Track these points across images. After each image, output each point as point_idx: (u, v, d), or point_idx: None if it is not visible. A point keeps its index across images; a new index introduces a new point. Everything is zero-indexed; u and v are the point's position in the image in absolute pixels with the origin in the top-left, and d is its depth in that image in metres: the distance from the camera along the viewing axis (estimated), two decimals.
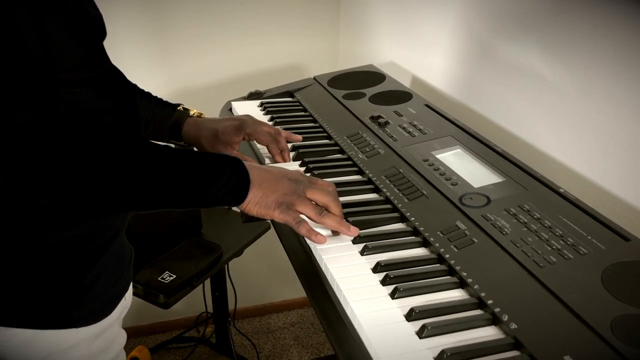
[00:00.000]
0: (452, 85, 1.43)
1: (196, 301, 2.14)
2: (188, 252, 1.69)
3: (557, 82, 1.10)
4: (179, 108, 1.13)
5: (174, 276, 1.58)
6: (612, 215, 0.98)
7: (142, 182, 0.76)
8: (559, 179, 1.10)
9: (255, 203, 0.83)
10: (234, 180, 0.81)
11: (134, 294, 1.55)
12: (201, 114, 1.15)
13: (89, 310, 0.86)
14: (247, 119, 1.13)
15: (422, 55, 1.55)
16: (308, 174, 1.06)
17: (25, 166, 0.69)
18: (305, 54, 2.05)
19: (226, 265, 2.00)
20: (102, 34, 0.88)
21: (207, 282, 2.06)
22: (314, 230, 0.85)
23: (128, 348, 1.84)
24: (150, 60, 1.94)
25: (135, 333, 2.24)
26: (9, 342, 0.81)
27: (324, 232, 0.87)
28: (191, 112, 1.13)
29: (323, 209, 0.86)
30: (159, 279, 1.57)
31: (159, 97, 1.15)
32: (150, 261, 1.63)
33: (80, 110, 0.76)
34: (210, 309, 2.14)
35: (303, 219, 0.85)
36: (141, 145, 0.77)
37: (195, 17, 1.92)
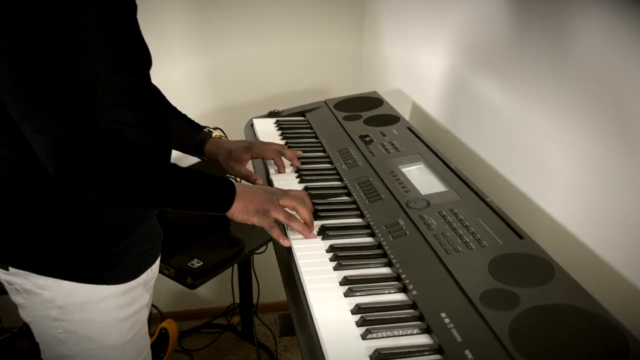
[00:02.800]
0: (439, 112, 1.67)
1: (227, 293, 2.44)
2: (215, 244, 1.98)
3: (509, 113, 1.33)
4: (204, 129, 1.40)
5: (201, 263, 1.88)
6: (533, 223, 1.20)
7: (156, 189, 1.04)
8: (500, 194, 1.32)
9: (239, 211, 1.09)
10: (225, 193, 1.08)
11: (167, 275, 1.86)
12: (221, 135, 1.44)
13: (118, 273, 1.13)
14: (256, 142, 1.41)
15: (420, 85, 1.80)
16: (298, 179, 1.33)
17: (73, 172, 0.96)
18: (332, 78, 2.34)
19: (252, 262, 2.30)
20: (148, 64, 1.17)
21: (237, 276, 2.35)
22: (283, 235, 1.10)
23: (160, 321, 2.16)
24: (200, 81, 2.27)
25: (173, 316, 2.55)
26: (58, 289, 1.09)
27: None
28: (213, 134, 1.41)
29: (292, 215, 1.12)
30: (189, 264, 1.87)
31: (190, 118, 1.43)
32: (183, 249, 1.93)
33: (117, 128, 1.04)
34: (237, 301, 2.43)
35: (275, 225, 1.11)
36: (158, 162, 1.04)
37: (241, 45, 2.24)
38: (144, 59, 1.16)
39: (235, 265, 2.28)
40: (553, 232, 1.17)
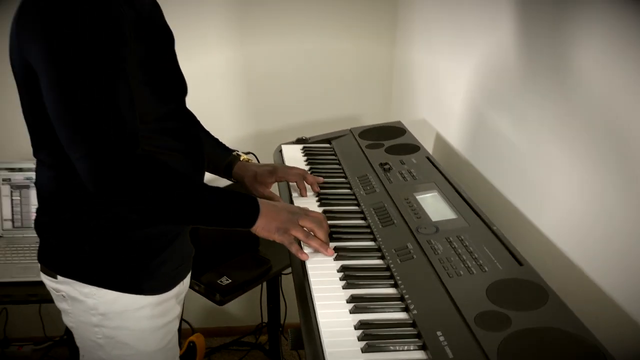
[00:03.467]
0: (459, 143, 1.73)
1: (256, 312, 2.53)
2: (244, 263, 2.07)
3: (523, 147, 1.39)
4: (234, 153, 1.51)
5: (230, 281, 1.97)
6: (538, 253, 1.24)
7: (188, 209, 1.13)
8: (509, 221, 1.37)
9: (262, 228, 1.18)
10: (249, 211, 1.17)
11: (197, 291, 1.96)
12: (249, 159, 1.53)
13: (154, 285, 1.24)
14: (280, 165, 1.50)
15: (444, 116, 1.87)
16: (318, 203, 1.41)
17: (111, 193, 1.06)
18: (363, 107, 2.43)
19: (280, 282, 2.38)
20: (184, 92, 1.29)
21: (266, 296, 2.43)
22: (301, 249, 1.19)
23: (189, 335, 2.26)
24: (238, 107, 2.40)
25: (203, 332, 2.64)
26: (101, 298, 1.20)
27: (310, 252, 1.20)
28: (241, 158, 1.51)
29: (310, 233, 1.20)
30: (218, 281, 1.96)
31: (222, 142, 1.53)
32: (214, 267, 2.03)
33: (154, 153, 1.15)
34: (266, 320, 2.51)
35: (294, 241, 1.19)
36: (191, 184, 1.14)
37: (277, 76, 2.36)
38: (180, 88, 1.27)
39: (265, 286, 2.37)
40: (554, 258, 1.22)
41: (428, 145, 1.94)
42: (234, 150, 1.52)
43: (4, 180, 2.10)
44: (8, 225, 2.12)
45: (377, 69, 2.43)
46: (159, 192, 1.08)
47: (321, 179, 1.49)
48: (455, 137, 1.78)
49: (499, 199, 1.47)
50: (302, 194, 1.45)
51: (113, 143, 1.03)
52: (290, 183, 1.49)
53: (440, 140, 1.89)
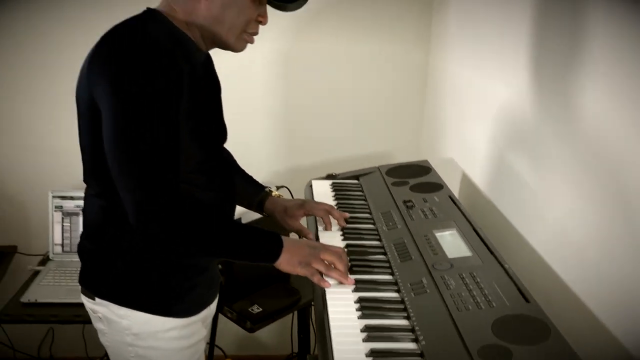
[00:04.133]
0: (483, 182, 1.79)
1: (287, 341, 2.60)
2: (275, 292, 2.16)
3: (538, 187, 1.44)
4: (266, 189, 1.61)
5: (261, 309, 2.05)
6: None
7: (217, 244, 1.24)
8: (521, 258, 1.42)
9: (285, 262, 1.27)
10: (273, 247, 1.27)
11: (229, 318, 2.05)
12: (280, 195, 1.64)
13: (183, 308, 1.34)
14: (309, 200, 1.60)
15: (470, 156, 1.94)
16: (342, 237, 1.49)
17: (150, 226, 1.16)
18: (394, 144, 2.52)
19: (310, 313, 2.45)
20: (224, 138, 1.41)
21: (297, 326, 2.50)
22: (323, 279, 1.27)
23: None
24: (276, 143, 2.52)
25: (236, 359, 2.74)
26: (134, 319, 1.30)
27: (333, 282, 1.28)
28: (273, 194, 1.61)
29: (331, 266, 1.28)
30: (249, 309, 2.05)
31: (254, 178, 1.63)
32: (246, 295, 2.12)
33: (192, 191, 1.26)
34: (296, 349, 2.57)
35: (316, 273, 1.27)
36: (222, 222, 1.24)
37: (314, 113, 2.48)
38: (220, 136, 1.41)
39: (296, 316, 2.44)
40: (561, 295, 1.26)
41: (455, 184, 2.01)
42: (265, 187, 1.63)
43: (56, 207, 2.26)
44: (58, 249, 2.27)
45: (409, 108, 2.52)
46: (192, 229, 1.18)
47: (347, 215, 1.57)
48: (479, 177, 1.84)
49: (517, 238, 1.52)
50: (327, 228, 1.54)
51: (157, 181, 1.14)
52: (317, 217, 1.58)
53: (465, 180, 1.95)
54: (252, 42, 1.30)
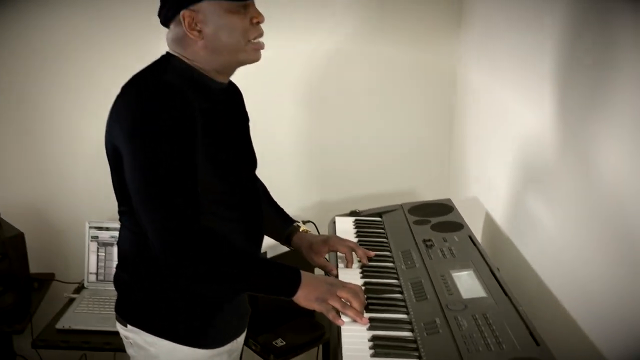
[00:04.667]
0: (504, 222, 1.81)
1: None
2: (299, 327, 2.19)
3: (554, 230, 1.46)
4: (294, 224, 1.66)
5: (284, 343, 2.09)
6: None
7: (236, 279, 1.29)
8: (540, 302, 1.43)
9: (302, 297, 1.32)
10: (291, 282, 1.32)
11: (254, 350, 2.09)
12: (307, 230, 1.69)
13: (210, 340, 1.39)
14: (333, 236, 1.64)
15: (492, 196, 1.96)
16: (361, 274, 1.53)
17: (170, 256, 1.23)
18: (420, 182, 2.56)
19: None
20: (253, 166, 1.47)
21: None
22: (338, 316, 1.31)
23: None
24: (305, 179, 2.59)
25: None
26: (162, 347, 1.36)
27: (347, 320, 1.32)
28: (300, 229, 1.66)
29: (347, 304, 1.32)
30: (273, 342, 2.09)
31: (285, 212, 1.69)
32: (271, 329, 2.16)
33: (213, 222, 1.32)
34: None
35: (332, 310, 1.31)
36: (241, 257, 1.30)
37: (343, 150, 2.55)
38: (249, 164, 1.46)
39: (320, 351, 2.46)
40: (573, 337, 1.27)
41: (478, 223, 2.03)
42: (294, 221, 1.68)
43: (92, 237, 2.36)
44: (92, 278, 2.37)
45: (435, 146, 2.56)
46: (210, 263, 1.25)
47: (372, 254, 1.61)
48: (500, 216, 1.86)
49: (535, 279, 1.54)
50: (349, 265, 1.58)
51: (175, 216, 1.21)
52: (340, 254, 1.63)
53: (488, 219, 1.97)
54: (262, 47, 1.34)
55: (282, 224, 1.66)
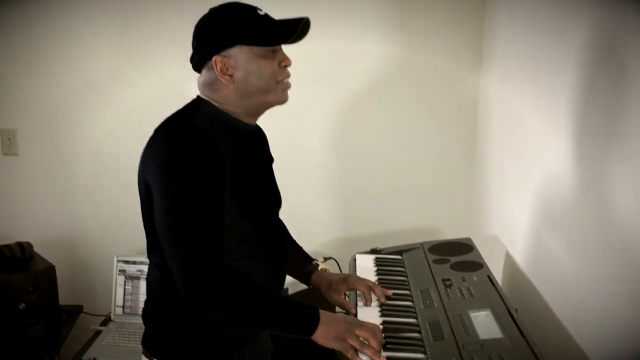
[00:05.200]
0: (524, 262, 1.82)
1: None
2: None
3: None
4: (313, 262, 1.70)
5: None
6: None
7: (256, 317, 1.32)
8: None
9: (321, 336, 1.34)
10: (310, 321, 1.35)
11: None
12: (326, 269, 1.72)
13: None
14: (352, 275, 1.67)
15: (513, 235, 1.97)
16: (379, 313, 1.55)
17: (194, 294, 1.27)
18: (441, 220, 2.58)
19: None
20: (277, 205, 1.53)
21: None
22: (356, 355, 1.33)
23: None
24: (329, 215, 2.63)
25: None
26: None
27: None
28: (319, 267, 1.70)
29: (365, 343, 1.34)
30: None
31: (305, 251, 1.73)
32: None
33: (238, 261, 1.37)
34: None
35: (351, 349, 1.34)
36: (262, 297, 1.33)
37: (367, 188, 2.59)
38: (274, 203, 1.51)
39: None
40: None
41: (499, 263, 2.04)
42: (313, 260, 1.72)
43: (120, 271, 2.42)
44: (119, 311, 2.42)
45: (457, 184, 2.59)
46: (231, 300, 1.29)
47: (390, 292, 1.63)
48: (520, 256, 1.87)
49: (552, 321, 1.54)
50: (367, 304, 1.60)
51: (200, 253, 1.27)
52: (358, 292, 1.65)
53: (509, 259, 1.98)
54: (289, 87, 1.41)
55: (301, 262, 1.70)
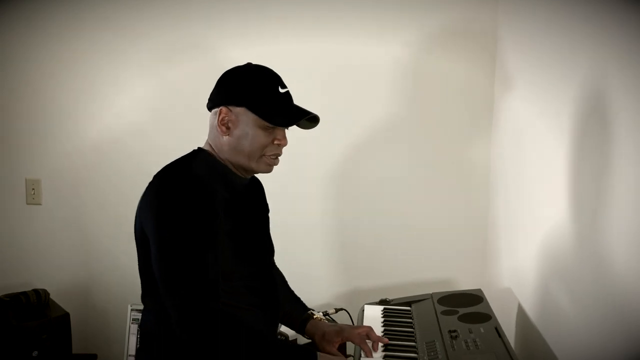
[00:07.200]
0: (534, 315, 1.77)
1: None
2: None
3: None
4: (308, 312, 1.70)
5: None
6: None
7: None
8: None
9: None
10: None
11: None
12: (321, 318, 1.71)
13: None
14: (346, 327, 1.65)
15: (525, 287, 1.93)
16: None
17: (190, 337, 1.28)
18: (454, 271, 2.54)
19: None
20: (270, 254, 1.54)
21: None
22: None
23: None
24: (335, 266, 2.62)
25: None
26: None
27: None
28: (314, 316, 1.70)
29: None
30: None
31: (301, 300, 1.73)
32: None
33: (233, 307, 1.38)
34: None
35: None
36: (258, 339, 1.34)
37: (374, 236, 2.58)
38: (266, 253, 1.54)
39: None
40: None
41: (511, 315, 1.99)
42: (308, 309, 1.71)
43: (133, 320, 2.43)
44: None
45: (471, 235, 2.56)
46: (226, 342, 1.30)
47: (386, 340, 1.60)
48: (530, 308, 1.83)
49: None
50: (368, 355, 1.58)
51: (196, 299, 1.29)
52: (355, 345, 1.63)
53: (521, 311, 1.93)
54: (274, 163, 1.46)
55: (297, 311, 1.70)
